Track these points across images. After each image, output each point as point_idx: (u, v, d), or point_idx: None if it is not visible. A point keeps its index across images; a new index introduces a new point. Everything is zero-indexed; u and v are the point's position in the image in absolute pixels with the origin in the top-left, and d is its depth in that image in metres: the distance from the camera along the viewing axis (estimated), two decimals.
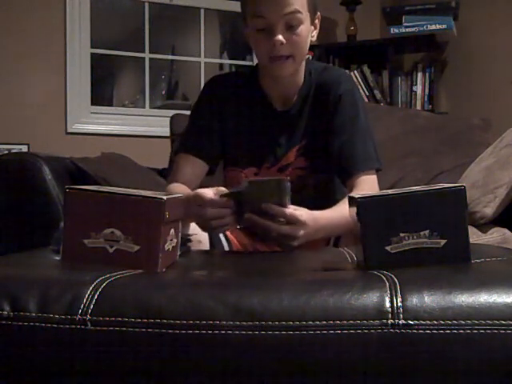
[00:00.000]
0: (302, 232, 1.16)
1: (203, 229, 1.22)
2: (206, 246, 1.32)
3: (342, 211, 1.28)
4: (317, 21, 1.42)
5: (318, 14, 1.41)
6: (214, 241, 1.34)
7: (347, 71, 3.43)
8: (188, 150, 1.46)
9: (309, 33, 1.37)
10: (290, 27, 1.32)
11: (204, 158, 1.45)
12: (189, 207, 1.11)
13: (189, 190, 1.36)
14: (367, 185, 1.35)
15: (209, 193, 1.14)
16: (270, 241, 1.17)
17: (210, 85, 1.52)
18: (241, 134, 1.47)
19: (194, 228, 1.26)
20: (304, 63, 1.45)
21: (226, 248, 1.38)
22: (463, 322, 0.66)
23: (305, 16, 1.33)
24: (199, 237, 1.29)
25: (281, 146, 1.45)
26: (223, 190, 1.15)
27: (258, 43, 1.35)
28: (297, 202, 1.19)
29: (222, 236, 1.38)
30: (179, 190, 1.35)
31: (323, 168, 1.44)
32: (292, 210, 1.15)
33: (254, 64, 1.54)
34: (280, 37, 1.30)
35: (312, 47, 3.52)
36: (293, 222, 1.15)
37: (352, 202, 0.88)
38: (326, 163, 1.43)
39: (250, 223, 1.16)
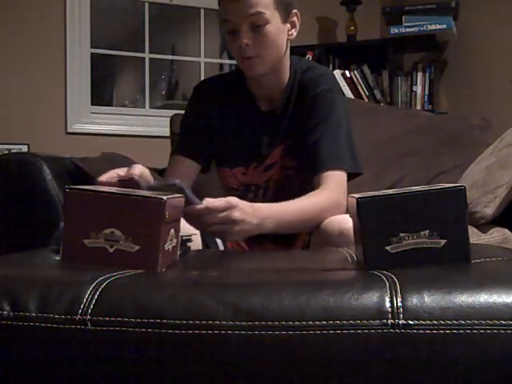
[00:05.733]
0: (237, 214, 1.13)
1: None
2: (198, 245, 1.32)
3: (295, 205, 1.29)
4: (294, 18, 1.42)
5: (295, 11, 1.41)
6: (207, 241, 1.35)
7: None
8: (179, 152, 1.51)
9: (280, 32, 1.38)
10: (256, 28, 1.34)
11: (194, 159, 1.49)
12: None
13: None
14: (332, 182, 1.35)
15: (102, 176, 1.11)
16: (212, 234, 1.17)
17: (197, 89, 1.56)
18: (228, 134, 1.50)
19: (185, 225, 1.26)
20: (287, 63, 1.46)
21: (221, 248, 1.39)
22: (463, 322, 0.66)
23: (271, 15, 1.34)
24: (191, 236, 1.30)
25: (265, 145, 1.47)
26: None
27: (229, 45, 1.40)
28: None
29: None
30: None
31: (308, 169, 1.44)
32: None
33: None
34: (245, 40, 1.33)
35: (312, 47, 3.56)
36: (219, 209, 1.12)
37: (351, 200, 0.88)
38: None
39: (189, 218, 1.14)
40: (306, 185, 1.47)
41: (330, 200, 1.32)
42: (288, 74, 1.46)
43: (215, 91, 1.52)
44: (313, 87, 1.43)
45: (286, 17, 1.38)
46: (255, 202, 1.26)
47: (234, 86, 1.52)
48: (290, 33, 1.42)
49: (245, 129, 1.48)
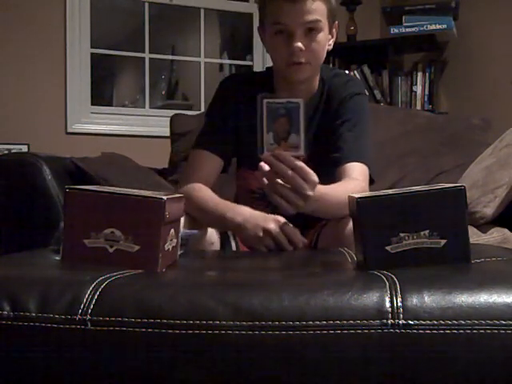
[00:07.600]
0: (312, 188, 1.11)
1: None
2: (216, 246, 1.33)
3: (334, 189, 1.27)
4: (334, 30, 1.43)
5: (336, 23, 1.43)
6: (225, 243, 1.35)
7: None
8: (205, 147, 1.46)
9: (327, 41, 1.39)
10: (310, 34, 1.34)
11: (220, 155, 1.46)
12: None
13: (212, 193, 1.36)
14: (357, 172, 1.35)
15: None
16: (277, 192, 1.11)
17: (224, 84, 1.53)
18: (251, 136, 1.47)
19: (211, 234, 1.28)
20: (319, 71, 1.46)
21: (234, 248, 1.39)
22: (463, 322, 0.66)
23: (324, 24, 1.35)
24: (211, 239, 1.31)
25: None
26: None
27: (276, 47, 1.37)
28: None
29: (231, 239, 1.38)
30: (207, 193, 1.36)
31: (332, 175, 1.44)
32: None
33: (265, 66, 1.55)
34: (299, 44, 1.32)
35: None
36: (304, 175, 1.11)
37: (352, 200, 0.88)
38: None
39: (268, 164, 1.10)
40: None
41: (360, 188, 1.30)
42: (317, 82, 1.47)
43: (243, 89, 1.49)
44: (340, 91, 1.44)
45: (331, 27, 1.40)
46: (274, 206, 1.21)
47: (260, 87, 1.48)
48: (329, 43, 1.43)
49: None
